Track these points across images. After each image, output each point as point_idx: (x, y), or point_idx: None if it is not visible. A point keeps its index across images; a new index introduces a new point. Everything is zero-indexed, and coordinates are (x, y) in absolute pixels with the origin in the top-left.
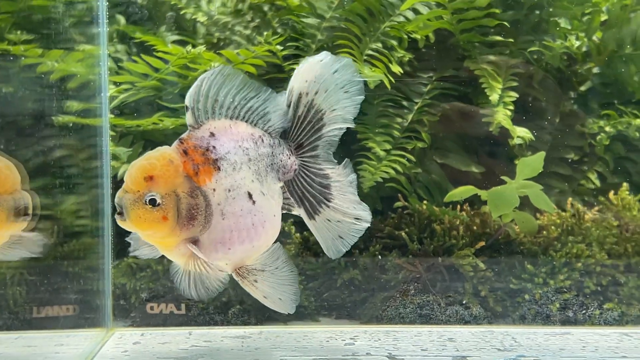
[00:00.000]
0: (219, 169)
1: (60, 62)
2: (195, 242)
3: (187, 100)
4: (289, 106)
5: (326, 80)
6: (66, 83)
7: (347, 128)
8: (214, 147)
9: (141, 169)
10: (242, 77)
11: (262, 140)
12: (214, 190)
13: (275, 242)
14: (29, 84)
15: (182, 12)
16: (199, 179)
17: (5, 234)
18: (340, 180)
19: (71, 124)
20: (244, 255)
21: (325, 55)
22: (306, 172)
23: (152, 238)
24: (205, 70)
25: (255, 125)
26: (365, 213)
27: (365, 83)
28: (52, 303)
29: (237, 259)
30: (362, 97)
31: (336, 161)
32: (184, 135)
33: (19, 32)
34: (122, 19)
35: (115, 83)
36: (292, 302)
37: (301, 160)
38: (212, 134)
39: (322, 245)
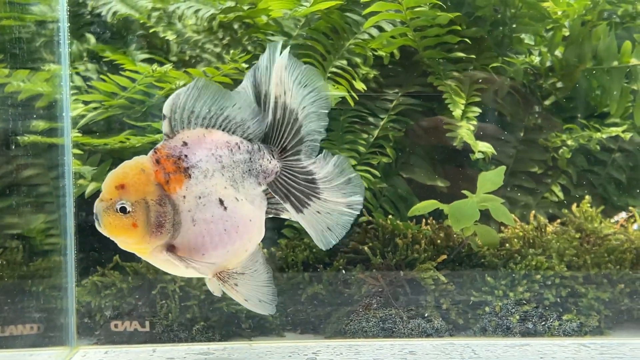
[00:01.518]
0: (189, 176)
1: (27, 82)
2: (171, 248)
3: (165, 110)
4: (265, 110)
5: (285, 78)
6: (33, 102)
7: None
8: (185, 155)
9: (114, 177)
10: (217, 88)
11: (239, 147)
12: (184, 197)
13: None
14: None
15: (151, 31)
16: (169, 187)
17: None
18: (324, 170)
19: (41, 144)
20: (221, 260)
21: (273, 50)
22: (288, 171)
23: (126, 245)
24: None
25: (233, 133)
26: (356, 198)
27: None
28: (15, 322)
29: (214, 264)
30: (322, 82)
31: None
32: (158, 145)
33: None
34: (92, 38)
35: (84, 102)
36: (271, 303)
37: (284, 162)
38: (185, 143)
39: (312, 237)
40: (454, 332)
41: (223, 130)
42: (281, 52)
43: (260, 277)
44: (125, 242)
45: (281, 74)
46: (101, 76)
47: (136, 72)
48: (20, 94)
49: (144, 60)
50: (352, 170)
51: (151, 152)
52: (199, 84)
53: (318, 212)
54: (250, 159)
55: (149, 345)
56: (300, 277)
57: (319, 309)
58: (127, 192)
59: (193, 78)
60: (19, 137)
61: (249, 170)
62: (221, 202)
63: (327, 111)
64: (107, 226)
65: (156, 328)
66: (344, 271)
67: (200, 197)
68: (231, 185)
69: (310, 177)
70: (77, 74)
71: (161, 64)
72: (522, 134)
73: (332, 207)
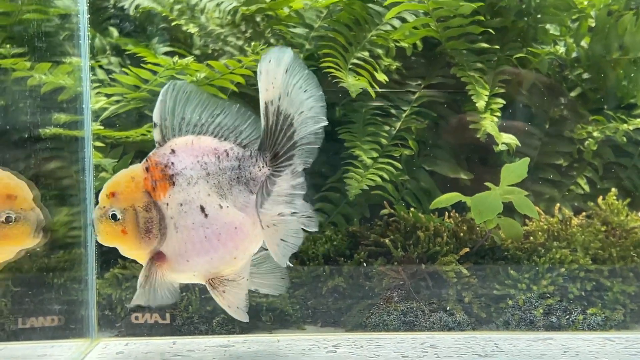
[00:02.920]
0: (173, 184)
1: (49, 75)
2: (160, 255)
3: (155, 117)
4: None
5: (283, 82)
6: (55, 95)
7: (335, 137)
8: (172, 163)
9: (107, 186)
10: (207, 95)
11: (228, 154)
12: (167, 204)
13: None
14: (19, 96)
15: (173, 24)
16: (155, 194)
17: (24, 248)
18: (283, 184)
19: (60, 136)
20: (208, 267)
21: (270, 54)
22: (268, 183)
23: (123, 252)
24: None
25: (225, 139)
26: (298, 201)
27: (349, 92)
28: (37, 314)
29: (202, 270)
30: (321, 91)
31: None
32: (150, 153)
33: (8, 45)
34: (114, 32)
35: (106, 95)
36: (245, 310)
37: (273, 170)
38: (173, 151)
39: (272, 255)
40: (476, 326)
41: (215, 136)
42: (278, 57)
43: (243, 284)
44: (121, 248)
45: (277, 79)
46: (123, 69)
47: (158, 64)
48: (42, 87)
49: (166, 54)
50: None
51: (144, 160)
52: (186, 87)
53: (274, 224)
54: (239, 166)
55: (169, 338)
56: (321, 270)
57: (339, 302)
58: (118, 199)
59: (215, 71)
60: (41, 130)
61: (238, 177)
62: (202, 209)
63: (323, 118)
64: (100, 233)
65: (176, 320)
66: (364, 264)
67: (182, 204)
68: (216, 192)
69: (270, 187)
70: (100, 67)
71: (183, 57)
72: (547, 126)
73: (275, 219)
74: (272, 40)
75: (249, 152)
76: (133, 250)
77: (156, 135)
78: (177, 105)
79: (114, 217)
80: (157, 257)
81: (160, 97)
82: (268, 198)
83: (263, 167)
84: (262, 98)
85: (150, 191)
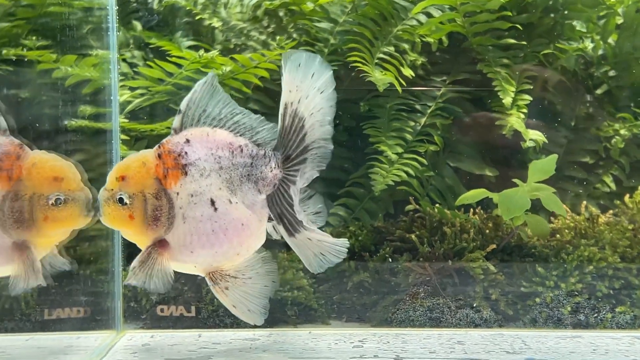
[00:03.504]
0: (185, 174)
1: (75, 67)
2: (163, 243)
3: (182, 104)
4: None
5: (307, 86)
6: (81, 88)
7: (360, 132)
8: (186, 152)
9: (116, 169)
10: (228, 96)
11: (242, 150)
12: (178, 194)
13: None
14: (44, 89)
15: (197, 18)
16: (166, 182)
17: (76, 227)
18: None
19: (85, 129)
20: (210, 260)
21: (302, 59)
22: (287, 189)
23: (126, 236)
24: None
25: (241, 135)
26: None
27: (376, 87)
28: (63, 305)
29: (203, 263)
30: (333, 89)
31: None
32: (164, 140)
33: (34, 37)
34: (138, 25)
35: (130, 88)
36: (261, 315)
37: (286, 174)
38: (188, 140)
39: (303, 261)
40: (503, 323)
41: (231, 132)
42: (307, 63)
43: (255, 286)
44: (125, 233)
45: (303, 83)
46: (147, 62)
47: (182, 58)
48: (68, 79)
49: (189, 47)
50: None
51: (156, 146)
52: (214, 81)
53: (309, 239)
54: (251, 163)
55: (195, 331)
56: (346, 265)
57: (364, 297)
58: (127, 184)
59: (239, 64)
60: (67, 122)
61: (248, 175)
62: (212, 202)
63: (330, 119)
64: (106, 216)
65: (202, 313)
66: (390, 260)
67: (192, 195)
68: (227, 187)
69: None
70: (124, 60)
71: (207, 51)
72: (573, 123)
73: (321, 237)
74: (294, 35)
75: (263, 151)
76: (137, 235)
77: (176, 122)
78: (203, 96)
79: (121, 200)
80: (160, 244)
81: (193, 88)
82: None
83: (275, 168)
84: (284, 99)
85: (161, 179)
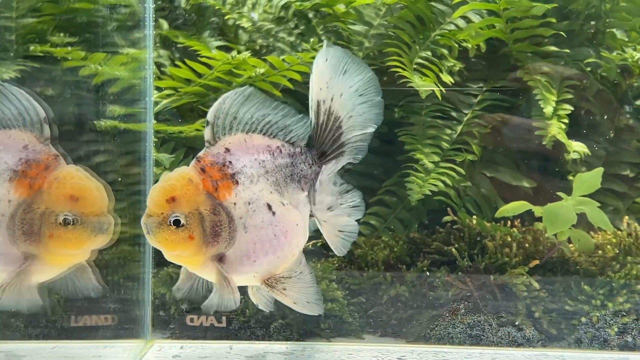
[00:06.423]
0: (237, 182)
1: (104, 65)
2: (221, 257)
3: (209, 116)
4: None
5: (338, 84)
6: (109, 87)
7: (393, 138)
8: (230, 162)
9: (162, 191)
10: (263, 97)
11: (281, 151)
12: (235, 204)
13: None
14: (71, 87)
15: (225, 18)
16: (219, 195)
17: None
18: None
19: (112, 129)
20: (270, 267)
21: (327, 53)
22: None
23: (179, 258)
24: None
25: (274, 136)
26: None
27: (417, 92)
28: (90, 312)
29: (263, 271)
30: (380, 97)
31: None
32: (200, 154)
33: (61, 34)
34: (164, 24)
35: (158, 88)
36: (318, 304)
37: (322, 167)
38: (228, 150)
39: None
40: (546, 343)
41: (264, 134)
42: (335, 57)
43: (306, 278)
44: (180, 255)
45: (333, 79)
46: (176, 62)
47: (212, 58)
48: (96, 77)
49: (217, 48)
50: None
51: (194, 162)
52: (246, 91)
53: (324, 220)
54: (292, 163)
55: (226, 342)
56: (381, 277)
57: (401, 311)
58: (179, 204)
59: (272, 67)
60: (96, 122)
61: (291, 175)
62: (269, 207)
63: (373, 125)
64: (162, 242)
65: (233, 324)
66: (427, 273)
67: (249, 203)
68: (276, 190)
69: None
70: None
71: (238, 52)
72: (612, 134)
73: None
74: (323, 38)
75: (299, 149)
76: (194, 256)
77: (207, 133)
78: (232, 106)
79: (177, 222)
80: (218, 260)
81: (219, 99)
82: (316, 192)
83: (313, 164)
84: (314, 96)
85: (212, 192)
